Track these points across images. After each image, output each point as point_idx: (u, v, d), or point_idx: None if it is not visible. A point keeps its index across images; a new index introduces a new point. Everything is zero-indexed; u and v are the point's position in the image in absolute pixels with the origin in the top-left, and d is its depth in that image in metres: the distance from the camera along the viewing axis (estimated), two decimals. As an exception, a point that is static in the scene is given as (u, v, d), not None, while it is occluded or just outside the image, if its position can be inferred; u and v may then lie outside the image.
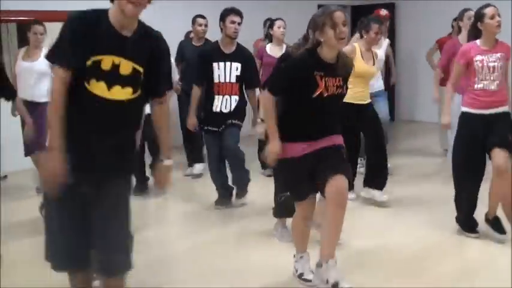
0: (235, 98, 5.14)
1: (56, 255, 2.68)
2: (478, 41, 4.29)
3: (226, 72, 5.11)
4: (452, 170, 4.47)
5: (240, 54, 5.16)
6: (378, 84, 6.44)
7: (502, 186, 4.20)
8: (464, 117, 4.31)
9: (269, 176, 6.05)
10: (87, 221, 2.57)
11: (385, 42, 6.95)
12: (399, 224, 4.87)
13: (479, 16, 4.25)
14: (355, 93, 5.07)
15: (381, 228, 4.76)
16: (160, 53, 2.61)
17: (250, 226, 4.83)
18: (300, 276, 3.68)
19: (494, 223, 4.39)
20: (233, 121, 5.10)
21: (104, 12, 2.46)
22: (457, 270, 3.90)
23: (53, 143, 2.42)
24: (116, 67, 2.42)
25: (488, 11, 4.20)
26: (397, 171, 6.55)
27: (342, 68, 3.32)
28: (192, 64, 5.75)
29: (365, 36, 5.26)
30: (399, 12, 10.59)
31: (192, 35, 6.90)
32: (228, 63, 5.10)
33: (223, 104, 5.11)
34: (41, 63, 5.37)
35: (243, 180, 5.32)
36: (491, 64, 4.20)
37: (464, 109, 4.32)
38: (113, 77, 2.43)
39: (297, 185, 3.43)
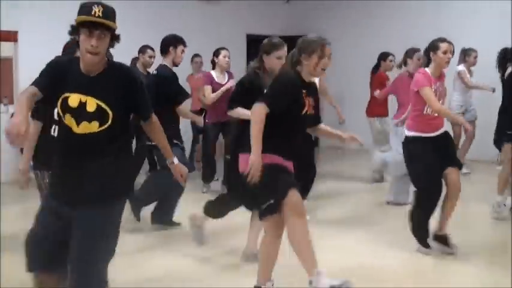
0: None
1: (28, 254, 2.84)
2: (427, 70, 4.50)
3: None
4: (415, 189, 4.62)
5: None
6: None
7: (453, 204, 4.53)
8: (416, 141, 4.48)
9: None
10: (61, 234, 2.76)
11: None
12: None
13: (433, 47, 4.46)
14: None
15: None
16: (130, 86, 2.82)
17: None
18: None
19: (444, 240, 4.58)
20: None
21: (77, 58, 2.77)
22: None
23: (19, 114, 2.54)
24: (83, 104, 2.69)
25: (443, 45, 4.43)
26: (326, 195, 6.76)
27: (315, 90, 3.54)
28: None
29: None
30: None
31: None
32: None
33: None
34: None
35: None
36: (437, 92, 4.46)
37: (416, 134, 4.49)
38: (80, 114, 2.70)
39: (283, 183, 3.30)
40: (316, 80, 5.71)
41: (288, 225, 3.27)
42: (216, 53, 6.77)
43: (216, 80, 6.67)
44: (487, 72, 7.17)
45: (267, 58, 4.14)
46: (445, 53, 4.43)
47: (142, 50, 6.83)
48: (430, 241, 4.60)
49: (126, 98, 2.77)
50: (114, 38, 2.74)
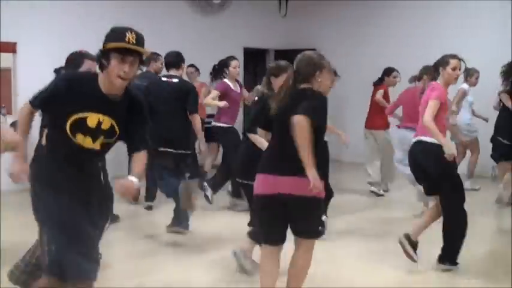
0: None
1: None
2: (440, 83, 4.46)
3: None
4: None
5: None
6: None
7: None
8: (440, 148, 4.30)
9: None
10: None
11: None
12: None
13: (443, 62, 4.43)
14: None
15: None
16: (139, 117, 2.91)
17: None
18: None
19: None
20: None
21: (92, 76, 2.83)
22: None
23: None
24: (100, 123, 2.77)
25: (453, 62, 4.41)
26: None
27: None
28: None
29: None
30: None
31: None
32: None
33: None
34: None
35: None
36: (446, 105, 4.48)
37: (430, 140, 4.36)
38: (97, 132, 2.78)
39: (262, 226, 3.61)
40: None
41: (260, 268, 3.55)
42: (227, 63, 6.80)
43: (232, 88, 6.71)
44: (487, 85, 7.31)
45: (275, 80, 4.18)
46: (454, 69, 4.41)
47: (155, 57, 6.85)
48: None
49: (129, 125, 2.87)
50: (141, 62, 2.79)
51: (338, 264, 4.75)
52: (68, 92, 2.74)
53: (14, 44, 7.54)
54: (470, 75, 7.74)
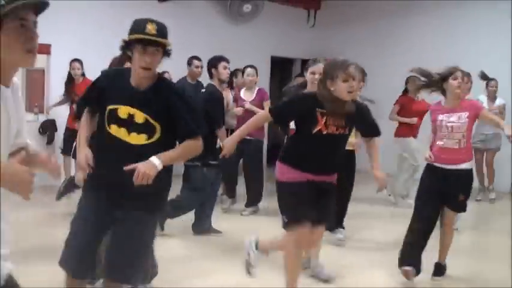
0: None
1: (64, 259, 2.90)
2: (442, 101, 4.36)
3: None
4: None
5: None
6: None
7: (448, 239, 4.44)
8: (427, 168, 4.34)
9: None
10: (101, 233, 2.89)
11: None
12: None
13: (445, 76, 4.24)
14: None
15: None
16: (175, 103, 2.81)
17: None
18: None
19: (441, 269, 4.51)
20: None
21: (126, 70, 2.87)
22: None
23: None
24: (131, 116, 2.77)
25: (453, 72, 4.23)
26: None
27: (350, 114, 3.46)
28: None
29: None
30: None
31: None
32: None
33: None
34: None
35: None
36: (449, 124, 4.21)
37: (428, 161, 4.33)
38: (129, 124, 2.78)
39: (299, 206, 3.44)
40: None
41: (285, 249, 3.57)
42: (242, 72, 6.92)
43: (242, 96, 6.69)
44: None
45: (306, 74, 4.30)
46: (454, 78, 4.19)
47: (189, 61, 6.93)
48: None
49: (171, 114, 2.79)
50: (166, 53, 2.78)
51: (357, 272, 4.70)
52: (105, 86, 2.87)
53: (49, 45, 7.67)
54: (486, 85, 7.67)
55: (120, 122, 2.78)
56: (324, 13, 10.81)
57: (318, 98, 3.39)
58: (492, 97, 7.82)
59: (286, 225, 3.47)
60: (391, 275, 4.47)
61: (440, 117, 4.25)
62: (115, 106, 2.78)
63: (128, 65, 3.23)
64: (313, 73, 4.13)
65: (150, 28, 2.66)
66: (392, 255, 4.49)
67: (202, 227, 5.53)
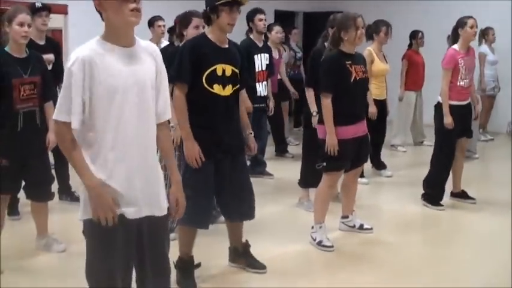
0: (264, 84, 5.67)
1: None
2: (456, 46, 4.86)
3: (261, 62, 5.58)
4: (434, 152, 5.05)
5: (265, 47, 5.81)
6: None
7: (461, 165, 5.10)
8: (450, 108, 4.77)
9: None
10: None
11: None
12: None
13: (461, 23, 4.81)
14: (376, 90, 5.72)
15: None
16: (242, 58, 3.37)
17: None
18: (319, 243, 4.04)
19: (462, 195, 5.17)
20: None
21: (202, 36, 3.30)
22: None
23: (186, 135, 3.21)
24: (223, 71, 3.19)
25: (470, 21, 4.78)
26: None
27: (362, 59, 4.10)
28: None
29: (376, 38, 5.71)
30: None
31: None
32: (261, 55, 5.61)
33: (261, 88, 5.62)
34: None
35: None
36: (465, 66, 4.78)
37: (450, 102, 4.77)
38: (224, 80, 3.20)
39: (341, 160, 3.94)
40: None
41: (319, 187, 4.11)
42: (269, 29, 6.43)
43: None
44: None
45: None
46: (472, 27, 4.75)
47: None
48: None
49: (242, 65, 3.34)
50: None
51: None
52: (196, 55, 3.16)
53: (65, 6, 7.71)
54: (487, 34, 7.70)
55: (218, 80, 3.17)
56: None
57: (342, 52, 3.89)
58: (490, 45, 7.89)
59: (324, 170, 4.01)
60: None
61: (461, 61, 4.75)
62: (213, 67, 3.15)
63: (193, 24, 3.86)
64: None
65: None
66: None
67: (255, 170, 5.73)
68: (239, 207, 3.37)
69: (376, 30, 5.66)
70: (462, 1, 8.42)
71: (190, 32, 3.91)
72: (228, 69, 3.19)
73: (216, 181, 3.24)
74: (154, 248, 2.27)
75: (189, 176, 3.14)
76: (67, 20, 8.00)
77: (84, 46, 2.13)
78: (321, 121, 3.99)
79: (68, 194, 5.08)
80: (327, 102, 3.85)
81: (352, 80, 3.83)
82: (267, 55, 5.62)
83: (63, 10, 7.74)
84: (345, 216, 4.39)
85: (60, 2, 7.55)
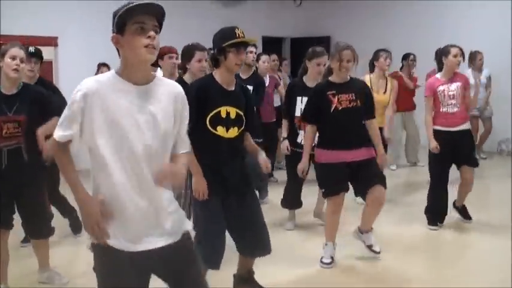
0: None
1: None
2: (438, 75, 4.90)
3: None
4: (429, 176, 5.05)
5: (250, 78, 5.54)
6: None
7: (467, 190, 5.02)
8: (435, 134, 4.81)
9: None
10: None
11: None
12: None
13: (445, 52, 4.81)
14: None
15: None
16: (249, 101, 3.33)
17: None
18: (321, 259, 4.16)
19: (461, 211, 5.17)
20: None
21: (208, 78, 3.28)
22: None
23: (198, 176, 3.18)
24: (228, 114, 3.18)
25: (454, 50, 4.75)
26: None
27: (355, 86, 4.05)
28: None
29: (376, 64, 5.64)
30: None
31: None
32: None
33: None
34: None
35: None
36: (450, 93, 4.75)
37: (435, 127, 4.82)
38: (227, 122, 3.18)
39: (334, 184, 4.02)
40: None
41: (326, 213, 4.24)
42: (257, 59, 6.09)
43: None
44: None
45: (309, 64, 4.77)
46: (455, 56, 4.74)
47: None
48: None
49: (247, 107, 3.30)
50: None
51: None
52: (201, 97, 3.14)
53: (56, 38, 7.68)
54: (474, 58, 7.69)
55: (222, 122, 3.16)
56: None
57: (329, 82, 4.02)
58: (478, 69, 7.88)
59: (324, 196, 4.18)
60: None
61: (440, 88, 4.77)
62: (217, 109, 3.14)
63: (197, 58, 3.83)
64: (319, 64, 4.66)
65: (239, 33, 3.12)
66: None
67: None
68: (250, 243, 3.34)
69: (375, 57, 5.63)
70: (457, 20, 8.56)
71: (193, 65, 3.88)
72: (233, 112, 3.18)
73: (225, 219, 3.25)
74: (182, 275, 2.20)
75: (199, 216, 3.20)
76: (57, 52, 7.99)
77: (94, 78, 2.11)
78: (317, 145, 4.14)
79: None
80: (308, 129, 4.15)
81: (332, 110, 3.92)
82: (251, 87, 4.98)
83: (53, 42, 7.72)
84: (361, 231, 4.33)
85: (50, 34, 7.55)
